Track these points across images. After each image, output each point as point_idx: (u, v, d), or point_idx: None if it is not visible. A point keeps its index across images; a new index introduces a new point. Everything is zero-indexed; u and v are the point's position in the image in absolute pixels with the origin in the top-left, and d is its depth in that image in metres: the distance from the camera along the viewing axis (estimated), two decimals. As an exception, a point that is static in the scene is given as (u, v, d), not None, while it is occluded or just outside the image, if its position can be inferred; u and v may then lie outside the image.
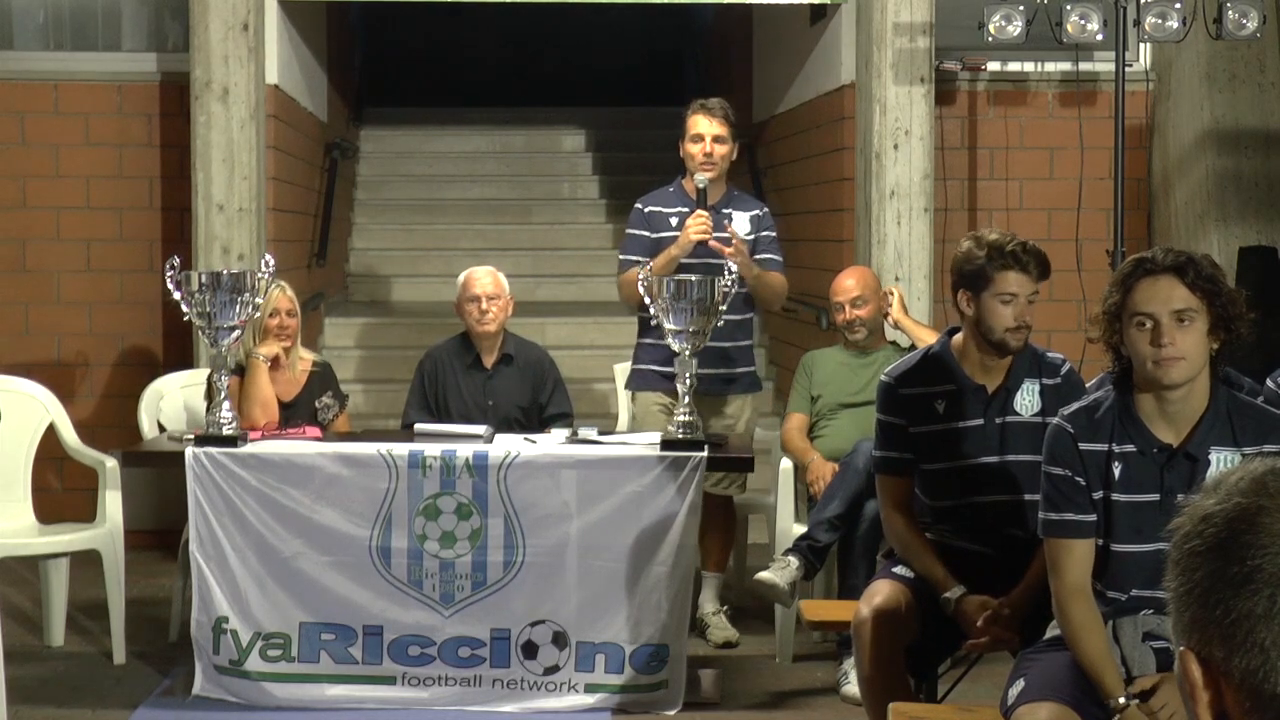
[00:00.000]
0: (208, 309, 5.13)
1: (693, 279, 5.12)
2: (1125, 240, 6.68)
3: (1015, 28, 6.74)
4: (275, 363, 5.75)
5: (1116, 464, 3.29)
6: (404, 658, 5.10)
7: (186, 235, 7.16)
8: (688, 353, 5.09)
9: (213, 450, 5.08)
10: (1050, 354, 4.16)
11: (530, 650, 5.09)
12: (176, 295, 5.18)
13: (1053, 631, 3.44)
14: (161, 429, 5.90)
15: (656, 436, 5.22)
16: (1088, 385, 4.08)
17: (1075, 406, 3.40)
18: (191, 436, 5.19)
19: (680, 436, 5.11)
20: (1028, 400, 4.06)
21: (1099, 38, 6.78)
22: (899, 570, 4.03)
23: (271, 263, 5.35)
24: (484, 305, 5.96)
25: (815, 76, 8.10)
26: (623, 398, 6.35)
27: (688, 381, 5.11)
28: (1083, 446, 3.31)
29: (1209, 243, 7.23)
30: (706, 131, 5.90)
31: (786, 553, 5.33)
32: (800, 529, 5.50)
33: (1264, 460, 1.38)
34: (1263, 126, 7.43)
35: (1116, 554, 3.31)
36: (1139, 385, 3.29)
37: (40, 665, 5.59)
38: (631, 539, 5.07)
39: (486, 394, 6.00)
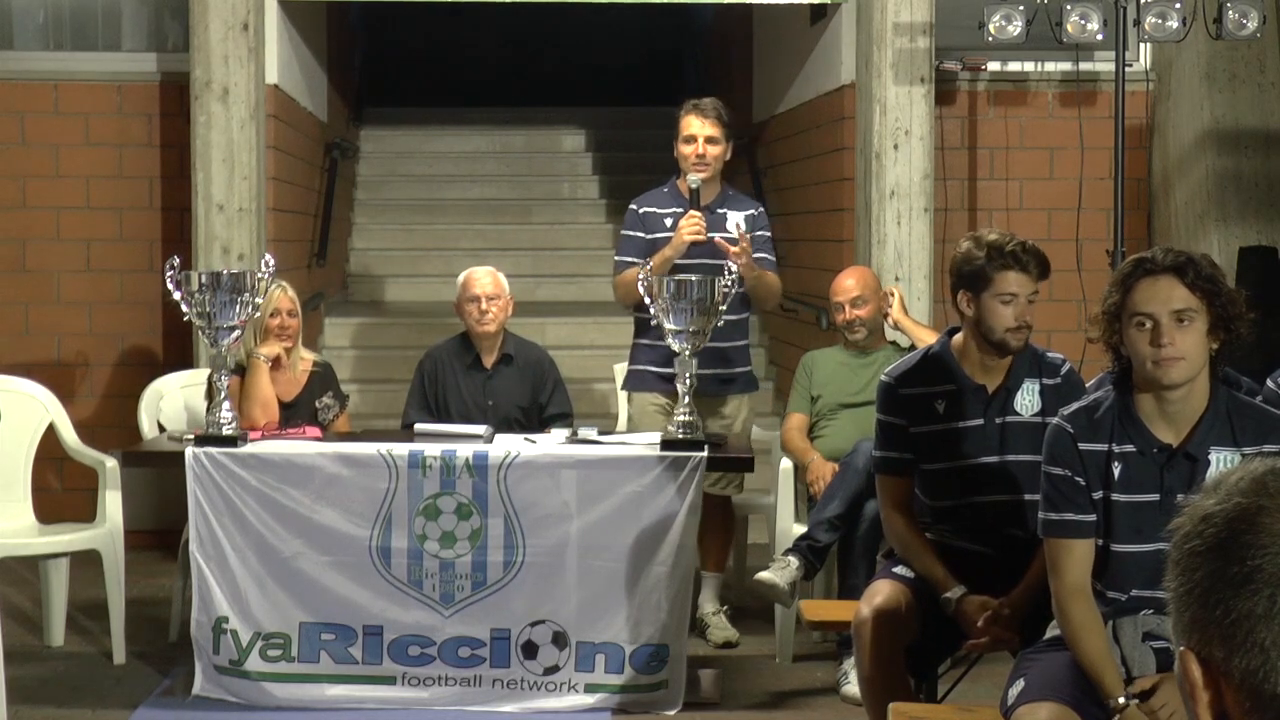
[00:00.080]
0: (208, 309, 5.13)
1: (693, 279, 5.12)
2: (1125, 240, 6.68)
3: (1015, 28, 6.74)
4: (276, 363, 5.74)
5: (1116, 464, 3.29)
6: (404, 658, 5.10)
7: (186, 235, 7.16)
8: (688, 353, 5.09)
9: (213, 450, 5.08)
10: (1050, 354, 4.16)
11: (530, 650, 5.09)
12: (176, 295, 5.18)
13: (1053, 631, 3.44)
14: (161, 429, 5.90)
15: (656, 437, 5.22)
16: (1087, 385, 4.08)
17: (1075, 406, 3.40)
18: (191, 436, 5.19)
19: (680, 436, 5.11)
20: (1028, 400, 4.06)
21: (1099, 38, 6.78)
22: (899, 570, 4.03)
23: (271, 263, 5.35)
24: (484, 305, 5.96)
25: (815, 76, 8.10)
26: (622, 398, 6.35)
27: (688, 381, 5.11)
28: (1082, 446, 3.31)
29: (1209, 243, 7.23)
30: (699, 132, 5.89)
31: (786, 553, 5.33)
32: (800, 529, 5.50)
33: (1264, 460, 1.38)
34: (1263, 126, 7.43)
35: (1116, 554, 3.31)
36: (1139, 385, 3.29)
37: (40, 665, 5.59)
38: (631, 539, 5.07)
39: (486, 394, 6.00)
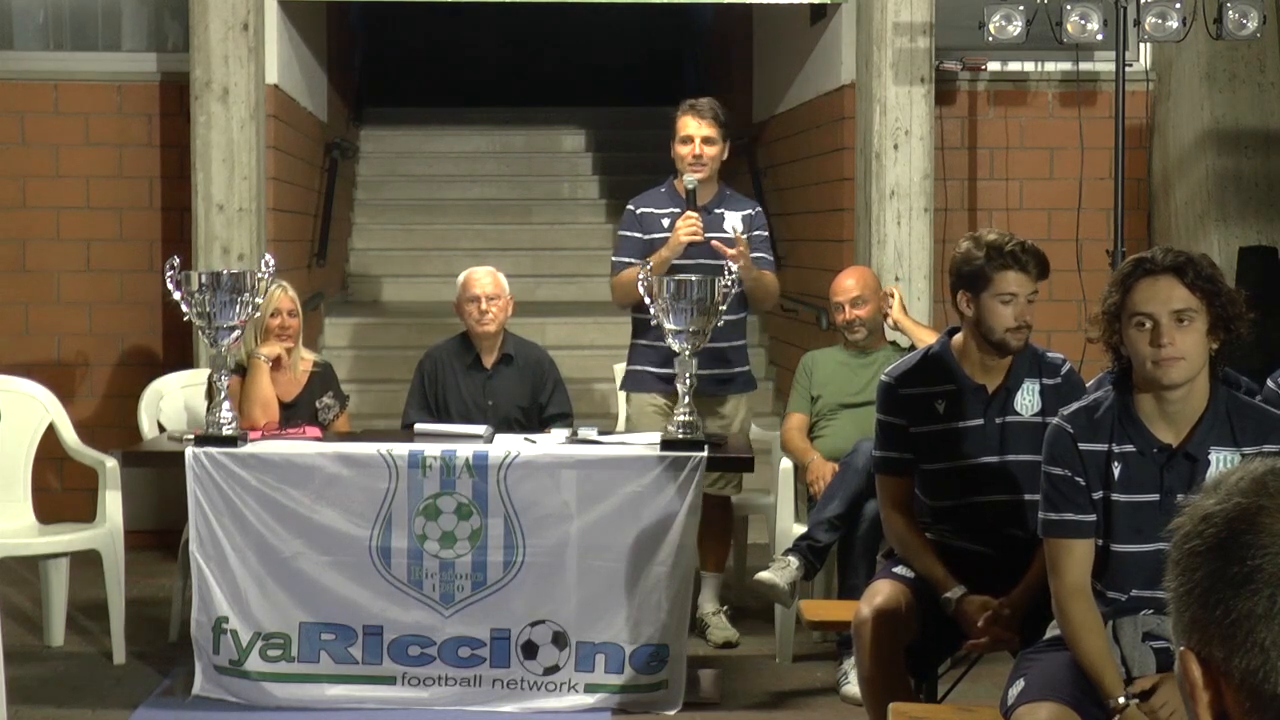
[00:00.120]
0: (208, 309, 5.13)
1: (693, 279, 5.12)
2: (1125, 240, 6.68)
3: (1015, 28, 6.74)
4: (277, 363, 5.74)
5: (1116, 464, 3.29)
6: (404, 658, 5.10)
7: (186, 235, 7.16)
8: (688, 353, 5.09)
9: (213, 450, 5.08)
10: (1050, 354, 4.16)
11: (530, 650, 5.09)
12: (176, 295, 5.18)
13: (1053, 631, 3.44)
14: (161, 429, 5.90)
15: (656, 437, 5.22)
16: (1087, 385, 4.08)
17: (1075, 407, 3.40)
18: (191, 436, 5.19)
19: (680, 436, 5.11)
20: (1028, 400, 4.06)
21: (1099, 38, 6.78)
22: (899, 570, 4.03)
23: (271, 263, 5.35)
24: (484, 305, 5.96)
25: (815, 76, 8.10)
26: (621, 398, 6.35)
27: (688, 381, 5.11)
28: (1082, 447, 3.31)
29: (1209, 243, 7.23)
30: (695, 133, 5.89)
31: (786, 553, 5.33)
32: (800, 529, 5.50)
33: (1264, 460, 1.38)
34: (1263, 126, 7.43)
35: (1116, 554, 3.31)
36: (1139, 385, 3.29)
37: (40, 665, 5.59)
38: (631, 539, 5.07)
39: (486, 394, 6.00)
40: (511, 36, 13.83)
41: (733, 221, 5.93)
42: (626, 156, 11.36)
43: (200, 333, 5.63)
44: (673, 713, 5.08)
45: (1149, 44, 7.36)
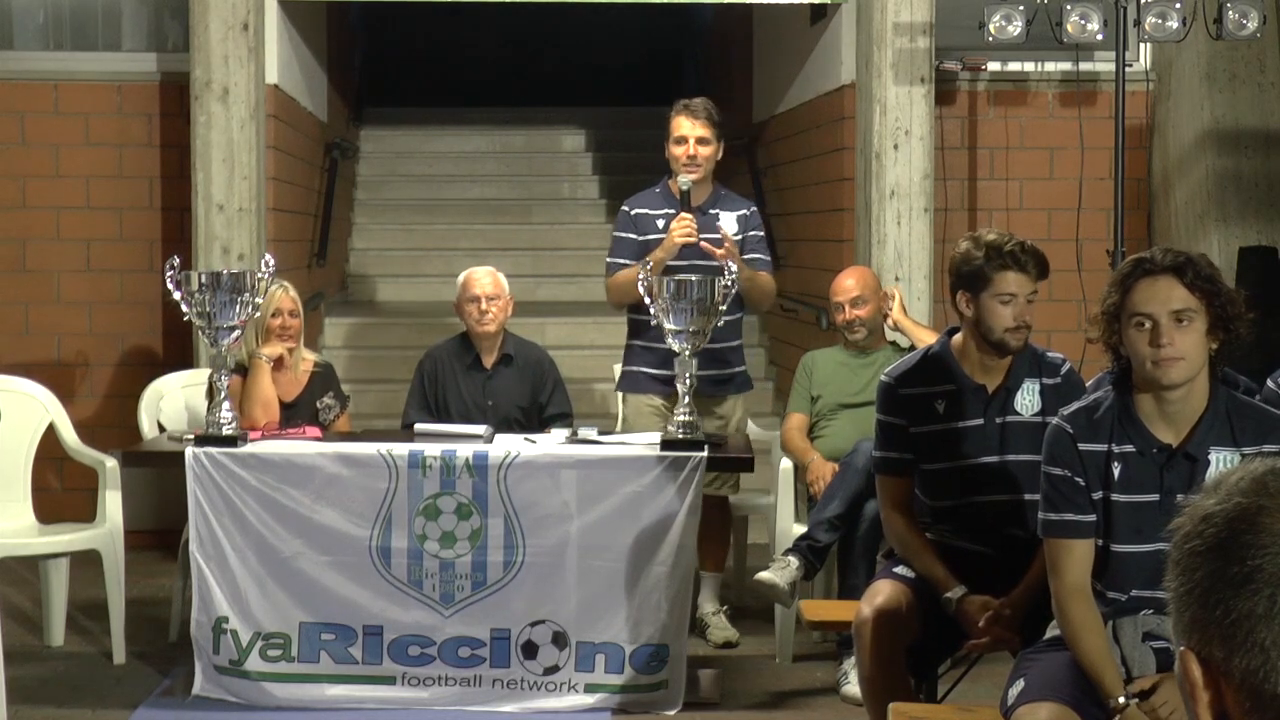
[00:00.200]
0: (208, 309, 5.14)
1: (693, 279, 5.12)
2: (1125, 240, 6.68)
3: (1015, 28, 6.74)
4: (279, 363, 5.74)
5: (1116, 464, 3.29)
6: (404, 658, 5.10)
7: (186, 235, 7.16)
8: (688, 353, 5.09)
9: (213, 450, 5.08)
10: (1050, 354, 4.16)
11: (530, 650, 5.09)
12: (176, 295, 5.18)
13: (1053, 631, 3.44)
14: (161, 429, 5.90)
15: (656, 437, 5.22)
16: (1086, 385, 4.08)
17: (1074, 407, 3.40)
18: (191, 436, 5.19)
19: (680, 436, 5.11)
20: (1028, 400, 4.06)
21: (1099, 38, 6.78)
22: (900, 570, 4.03)
23: (271, 263, 5.35)
24: (484, 305, 5.96)
25: (815, 76, 8.10)
26: (619, 399, 6.35)
27: (688, 381, 5.11)
28: (1082, 447, 3.31)
29: (1209, 243, 7.23)
30: (690, 133, 5.88)
31: (786, 553, 5.33)
32: (800, 529, 5.50)
33: (1264, 460, 1.38)
34: (1263, 126, 7.43)
35: (1116, 554, 3.31)
36: (1138, 385, 3.29)
37: (40, 665, 5.59)
38: (631, 539, 5.07)
39: (486, 394, 6.00)
40: (511, 36, 13.83)
41: (728, 222, 5.93)
42: (626, 156, 11.35)
43: (200, 333, 5.63)
44: (673, 713, 5.08)
45: (1149, 44, 7.36)
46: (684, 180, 5.82)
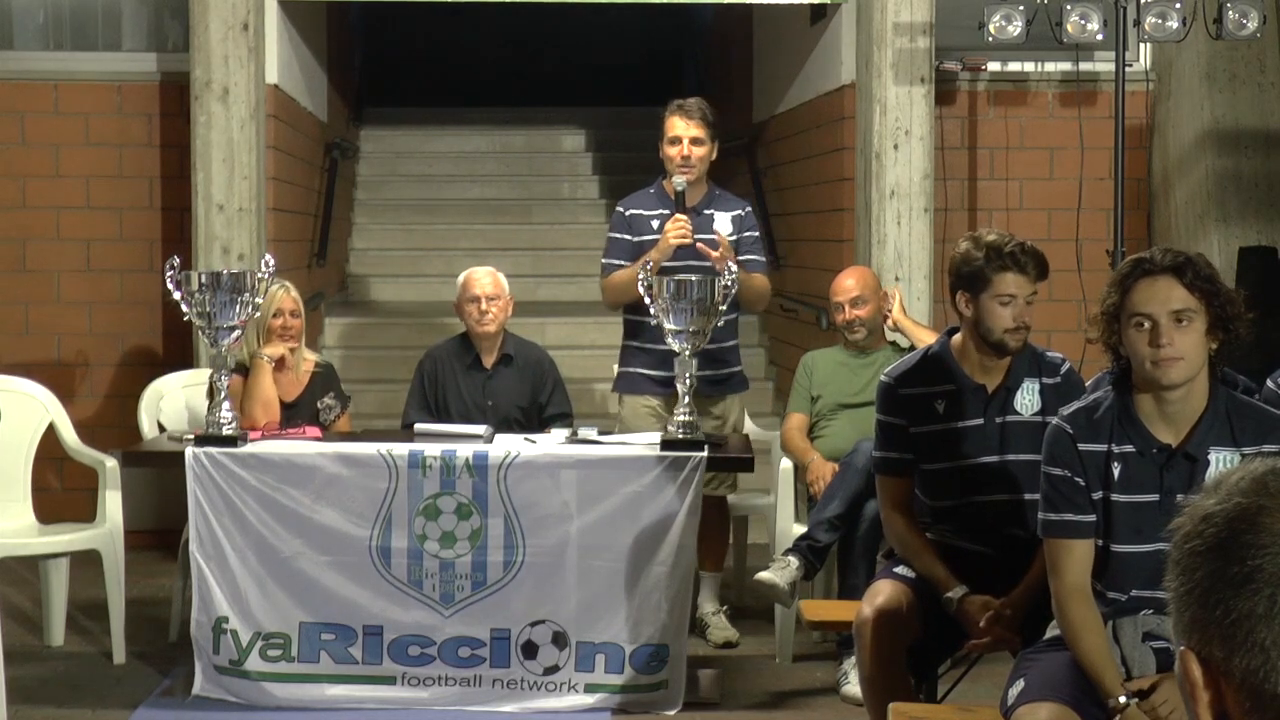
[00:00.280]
0: (208, 309, 5.14)
1: (693, 279, 5.12)
2: (1125, 240, 6.68)
3: (1015, 28, 6.74)
4: (280, 363, 5.74)
5: (1116, 464, 3.29)
6: (404, 658, 5.10)
7: (186, 235, 7.17)
8: (688, 353, 5.09)
9: (213, 450, 5.08)
10: (1050, 353, 4.17)
11: (530, 650, 5.09)
12: (176, 295, 5.18)
13: (1053, 631, 3.44)
14: (161, 429, 5.90)
15: (656, 437, 5.22)
16: (1086, 385, 4.08)
17: (1074, 407, 3.40)
18: (191, 436, 5.19)
19: (680, 436, 5.11)
20: (1028, 400, 4.06)
21: (1099, 38, 6.78)
22: (900, 570, 4.03)
23: (271, 263, 5.35)
24: (484, 306, 5.96)
25: (815, 76, 8.10)
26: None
27: (688, 381, 5.10)
28: (1082, 447, 3.31)
29: (1209, 243, 7.23)
30: (684, 134, 5.87)
31: (786, 553, 5.33)
32: (800, 529, 5.50)
33: (1264, 460, 1.38)
34: (1263, 126, 7.43)
35: (1116, 554, 3.31)
36: (1138, 385, 3.30)
37: (40, 665, 5.59)
38: (631, 539, 5.07)
39: (486, 394, 6.00)
40: (511, 36, 13.83)
41: (722, 222, 5.92)
42: (626, 156, 11.35)
43: (200, 333, 5.63)
44: (673, 713, 5.08)
45: (1149, 44, 7.36)
46: (678, 181, 5.81)
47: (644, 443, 5.22)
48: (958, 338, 4.12)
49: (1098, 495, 3.31)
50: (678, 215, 5.75)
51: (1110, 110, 6.87)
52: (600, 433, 5.42)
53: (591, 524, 5.08)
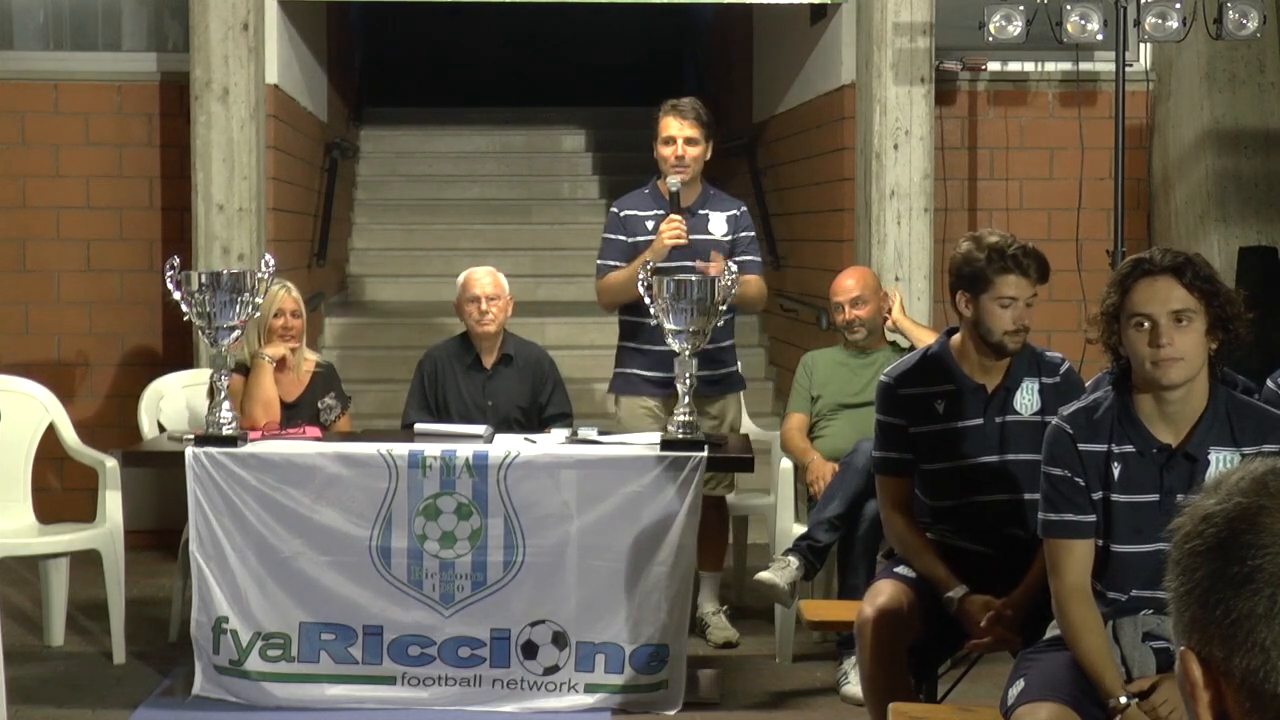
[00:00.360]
0: (208, 309, 5.14)
1: (693, 279, 5.12)
2: (1125, 240, 6.68)
3: (1015, 28, 6.74)
4: (282, 364, 5.74)
5: (1116, 464, 3.29)
6: (404, 658, 5.10)
7: (186, 235, 7.17)
8: (688, 353, 5.09)
9: (213, 450, 5.08)
10: (1049, 353, 4.17)
11: (530, 650, 5.09)
12: (176, 295, 5.18)
13: (1053, 631, 3.44)
14: (161, 429, 5.90)
15: (656, 437, 5.22)
16: (1086, 385, 4.08)
17: (1074, 407, 3.40)
18: (191, 436, 5.19)
19: (680, 436, 5.11)
20: (1027, 399, 4.06)
21: (1099, 38, 6.78)
22: (901, 570, 4.03)
23: (271, 263, 5.35)
24: (484, 306, 5.96)
25: (815, 76, 8.10)
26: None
27: (688, 381, 5.10)
28: (1082, 447, 3.31)
29: (1209, 243, 7.24)
30: (678, 133, 5.86)
31: (786, 553, 5.33)
32: (800, 529, 5.50)
33: (1264, 460, 1.38)
34: (1263, 126, 7.43)
35: (1116, 554, 3.31)
36: (1138, 386, 3.30)
37: (40, 665, 5.59)
38: (631, 539, 5.07)
39: (486, 394, 6.00)
40: (511, 36, 13.83)
41: (717, 222, 5.92)
42: (626, 156, 11.34)
43: (200, 333, 5.63)
44: (673, 713, 5.08)
45: (1149, 44, 7.36)
46: (673, 181, 5.80)
47: (644, 443, 5.22)
48: (957, 338, 4.12)
49: (1098, 495, 3.31)
50: (672, 216, 5.74)
51: (1110, 110, 6.86)
52: (600, 433, 5.42)
53: (591, 524, 5.08)
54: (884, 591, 3.92)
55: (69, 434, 5.93)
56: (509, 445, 5.17)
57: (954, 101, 7.55)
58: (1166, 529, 1.41)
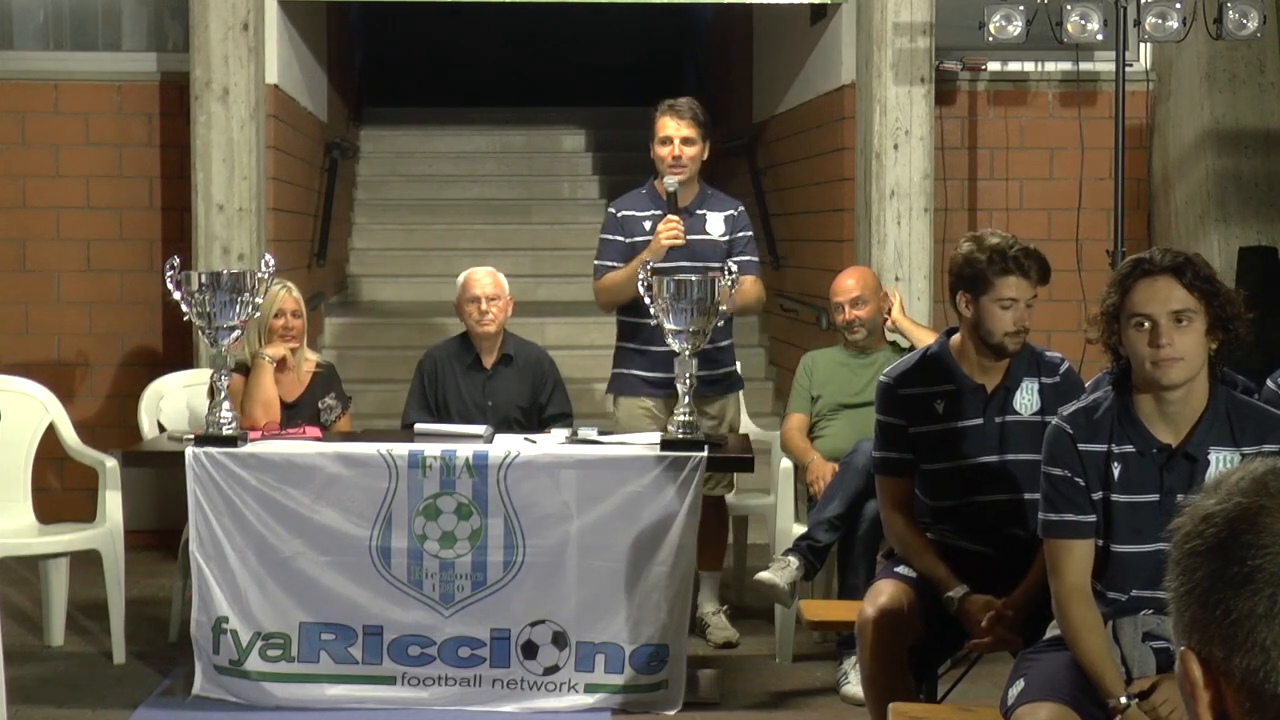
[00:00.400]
0: (208, 309, 5.14)
1: (693, 279, 5.12)
2: (1125, 240, 6.68)
3: (1015, 28, 6.74)
4: (282, 364, 5.74)
5: (1116, 464, 3.29)
6: (404, 658, 5.10)
7: (186, 235, 7.17)
8: (688, 353, 5.09)
9: (213, 450, 5.08)
10: (1049, 353, 4.17)
11: (530, 650, 5.09)
12: (176, 295, 5.18)
13: (1053, 631, 3.44)
14: (161, 429, 5.90)
15: (656, 437, 5.22)
16: (1086, 386, 4.08)
17: (1074, 407, 3.40)
18: (191, 436, 5.19)
19: (680, 436, 5.11)
20: (1027, 399, 4.06)
21: (1099, 38, 6.78)
22: (901, 570, 4.03)
23: (271, 263, 5.35)
24: (484, 306, 5.96)
25: (815, 76, 8.10)
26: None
27: (688, 381, 5.11)
28: (1082, 447, 3.31)
29: (1209, 243, 7.24)
30: (675, 133, 5.85)
31: (786, 553, 5.33)
32: (800, 529, 5.50)
33: (1264, 460, 1.38)
34: (1263, 126, 7.43)
35: (1116, 554, 3.31)
36: (1138, 386, 3.30)
37: (40, 665, 5.59)
38: (631, 539, 5.07)
39: (486, 394, 6.00)
40: (511, 36, 13.83)
41: (714, 222, 5.91)
42: (626, 156, 11.33)
43: (200, 333, 5.63)
44: (673, 713, 5.08)
45: (1149, 44, 7.36)
46: (670, 181, 5.80)
47: (644, 443, 5.22)
48: (956, 338, 4.12)
49: (1098, 495, 3.31)
50: (670, 216, 5.74)
51: (1110, 110, 6.86)
52: (600, 433, 5.42)
53: (591, 524, 5.08)
54: (884, 591, 3.92)
55: (69, 434, 5.93)
56: (509, 445, 5.17)
57: (954, 101, 7.55)
58: (1166, 529, 1.41)
